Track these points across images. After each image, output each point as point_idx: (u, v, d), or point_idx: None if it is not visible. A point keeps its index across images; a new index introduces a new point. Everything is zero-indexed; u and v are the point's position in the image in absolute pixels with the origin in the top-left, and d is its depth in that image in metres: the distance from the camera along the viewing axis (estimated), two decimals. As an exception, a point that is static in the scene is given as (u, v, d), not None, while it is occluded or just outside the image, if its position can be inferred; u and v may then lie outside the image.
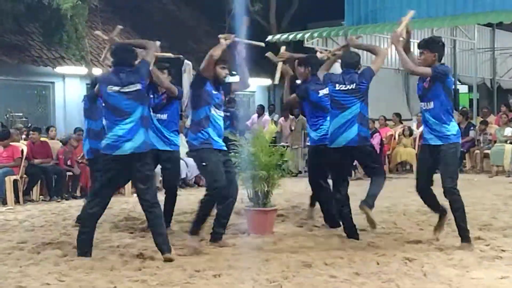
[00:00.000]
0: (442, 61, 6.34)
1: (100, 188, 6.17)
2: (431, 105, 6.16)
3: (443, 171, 6.19)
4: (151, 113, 7.11)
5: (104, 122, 7.09)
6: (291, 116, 15.44)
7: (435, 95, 6.12)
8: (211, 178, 6.44)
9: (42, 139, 11.61)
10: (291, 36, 17.35)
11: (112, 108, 6.00)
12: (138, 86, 5.97)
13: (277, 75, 7.33)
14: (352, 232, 6.74)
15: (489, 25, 21.27)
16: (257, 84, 21.29)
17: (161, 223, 6.06)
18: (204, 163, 6.44)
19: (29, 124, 14.17)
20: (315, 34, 17.09)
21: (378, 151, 13.73)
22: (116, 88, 5.95)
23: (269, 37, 17.85)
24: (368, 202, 6.57)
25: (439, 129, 6.15)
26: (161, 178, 11.33)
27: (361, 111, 6.68)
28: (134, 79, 5.97)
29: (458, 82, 23.97)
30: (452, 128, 6.16)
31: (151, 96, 7.14)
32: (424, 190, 6.47)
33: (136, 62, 6.08)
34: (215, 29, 22.50)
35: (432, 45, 6.21)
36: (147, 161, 6.07)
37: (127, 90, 5.94)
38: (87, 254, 6.00)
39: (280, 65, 7.36)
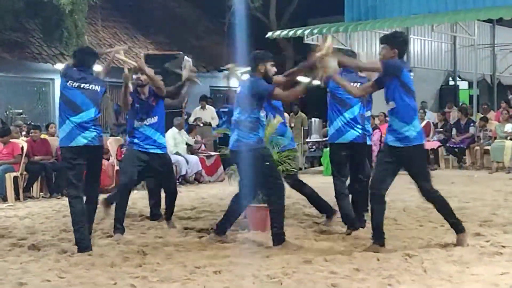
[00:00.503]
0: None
1: (71, 184, 6.29)
2: (393, 104, 5.90)
3: (414, 175, 5.99)
4: (138, 123, 7.02)
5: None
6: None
7: (394, 93, 5.86)
8: (276, 176, 6.37)
9: (42, 136, 11.62)
10: (291, 33, 17.34)
11: (67, 101, 6.25)
12: (97, 88, 6.31)
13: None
14: (349, 221, 6.84)
15: (489, 21, 21.26)
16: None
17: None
18: (267, 162, 6.30)
19: (29, 121, 14.17)
20: (315, 31, 17.08)
21: (378, 148, 13.75)
22: (75, 84, 6.24)
23: (269, 33, 17.84)
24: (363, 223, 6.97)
25: (399, 130, 5.87)
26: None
27: (361, 110, 6.76)
28: (94, 81, 6.32)
29: (458, 78, 23.98)
30: (413, 128, 5.85)
31: (136, 105, 7.02)
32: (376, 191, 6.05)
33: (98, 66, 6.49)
34: (215, 25, 22.54)
35: (392, 41, 5.99)
36: (101, 156, 6.53)
37: (86, 87, 6.24)
38: (88, 249, 6.04)
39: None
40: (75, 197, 6.22)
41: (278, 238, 6.25)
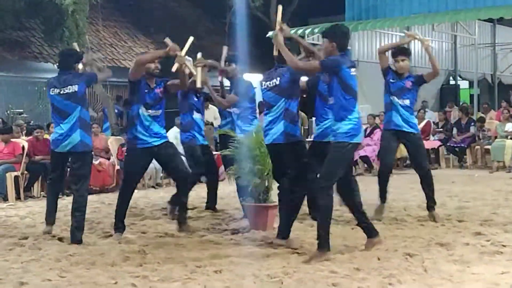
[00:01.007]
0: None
1: (49, 180, 7.19)
2: (332, 100, 5.81)
3: (319, 167, 5.85)
4: (143, 110, 6.75)
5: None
6: None
7: (333, 90, 5.75)
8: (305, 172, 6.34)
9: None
10: (291, 32, 17.34)
11: (55, 108, 6.69)
12: (75, 88, 6.53)
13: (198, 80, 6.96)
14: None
15: (490, 20, 21.27)
16: (258, 80, 21.28)
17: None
18: (306, 158, 6.33)
19: (30, 121, 14.17)
20: (316, 30, 17.07)
21: (378, 147, 13.74)
22: (57, 90, 6.60)
23: (270, 33, 17.84)
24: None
25: (333, 127, 5.77)
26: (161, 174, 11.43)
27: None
28: (72, 81, 6.57)
29: (459, 78, 23.99)
30: (345, 125, 5.67)
31: (145, 91, 6.76)
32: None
33: (80, 65, 6.70)
34: (215, 25, 22.55)
35: (331, 34, 5.87)
36: (84, 161, 6.73)
37: (66, 91, 6.55)
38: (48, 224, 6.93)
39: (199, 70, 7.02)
40: (49, 188, 7.18)
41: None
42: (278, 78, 6.26)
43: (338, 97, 5.69)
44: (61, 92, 6.56)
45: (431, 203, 7.58)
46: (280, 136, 6.19)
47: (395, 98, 7.48)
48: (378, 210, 7.64)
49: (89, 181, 7.03)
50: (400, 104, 7.46)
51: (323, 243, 5.62)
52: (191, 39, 6.81)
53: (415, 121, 7.75)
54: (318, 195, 5.72)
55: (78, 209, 6.65)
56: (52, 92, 6.63)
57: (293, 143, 6.22)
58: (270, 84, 6.33)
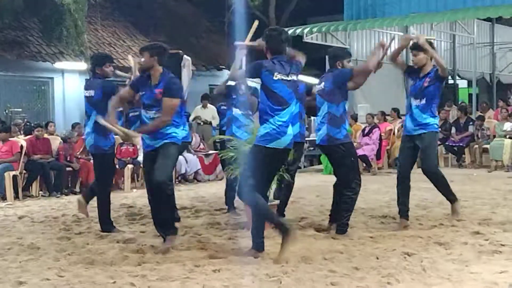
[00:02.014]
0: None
1: None
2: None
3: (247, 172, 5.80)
4: (143, 112, 6.24)
5: None
6: None
7: (260, 93, 5.67)
8: (355, 172, 6.74)
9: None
10: (290, 31, 17.31)
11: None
12: (92, 93, 6.85)
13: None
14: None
15: (488, 19, 21.29)
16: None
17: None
18: (353, 159, 6.66)
19: (26, 120, 14.16)
20: (315, 29, 17.09)
21: (377, 146, 13.76)
22: (84, 92, 6.98)
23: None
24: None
25: (259, 130, 5.71)
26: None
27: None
28: (92, 86, 6.91)
29: (457, 77, 24.01)
30: (263, 129, 5.59)
31: (142, 93, 6.27)
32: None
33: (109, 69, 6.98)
34: (215, 24, 22.55)
35: (266, 37, 5.77)
36: (96, 161, 7.15)
37: (87, 94, 6.91)
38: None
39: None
40: None
41: (343, 228, 6.64)
42: (324, 82, 6.65)
43: (263, 99, 5.66)
44: (85, 94, 6.92)
45: (450, 198, 7.50)
46: (324, 137, 6.60)
47: (412, 99, 7.08)
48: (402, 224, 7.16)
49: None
50: (415, 105, 7.04)
51: (255, 241, 5.74)
52: (256, 23, 6.65)
53: (429, 119, 7.03)
54: (243, 201, 5.99)
55: (101, 204, 7.20)
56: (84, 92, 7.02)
57: (335, 145, 6.57)
58: (319, 87, 6.73)
